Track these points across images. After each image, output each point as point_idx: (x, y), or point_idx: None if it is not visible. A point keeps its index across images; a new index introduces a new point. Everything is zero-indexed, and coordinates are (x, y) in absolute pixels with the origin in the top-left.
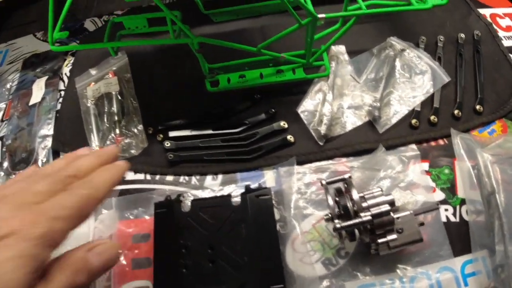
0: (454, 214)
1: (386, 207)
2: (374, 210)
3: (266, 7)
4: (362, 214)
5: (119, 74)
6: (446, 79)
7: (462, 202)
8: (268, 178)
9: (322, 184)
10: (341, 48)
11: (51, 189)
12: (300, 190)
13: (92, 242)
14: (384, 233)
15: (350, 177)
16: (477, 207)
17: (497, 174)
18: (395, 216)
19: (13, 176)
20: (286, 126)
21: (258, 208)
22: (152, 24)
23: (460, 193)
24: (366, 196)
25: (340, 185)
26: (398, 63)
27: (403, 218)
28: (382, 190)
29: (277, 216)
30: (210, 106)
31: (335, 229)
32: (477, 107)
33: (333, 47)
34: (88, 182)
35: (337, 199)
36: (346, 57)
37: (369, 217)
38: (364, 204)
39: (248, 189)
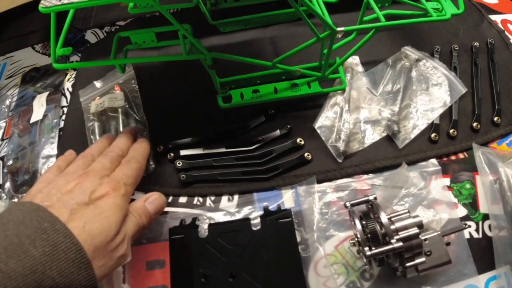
0: (477, 230)
1: (415, 230)
2: (403, 234)
3: (275, 17)
4: (392, 240)
5: (125, 89)
6: (463, 90)
7: (485, 217)
8: (287, 198)
9: (346, 207)
10: (355, 59)
11: (113, 165)
12: (321, 211)
13: (147, 194)
14: (412, 256)
15: (375, 198)
16: (500, 222)
17: None
18: (423, 237)
19: (16, 199)
20: (302, 143)
21: (279, 231)
22: (160, 37)
23: (482, 208)
24: (393, 219)
25: (364, 206)
26: (414, 74)
27: (431, 240)
28: (408, 211)
29: (298, 239)
30: (222, 123)
31: (365, 256)
32: (495, 118)
33: (349, 59)
34: (133, 157)
35: (363, 222)
36: (360, 68)
37: (401, 244)
38: (393, 227)
39: (267, 211)
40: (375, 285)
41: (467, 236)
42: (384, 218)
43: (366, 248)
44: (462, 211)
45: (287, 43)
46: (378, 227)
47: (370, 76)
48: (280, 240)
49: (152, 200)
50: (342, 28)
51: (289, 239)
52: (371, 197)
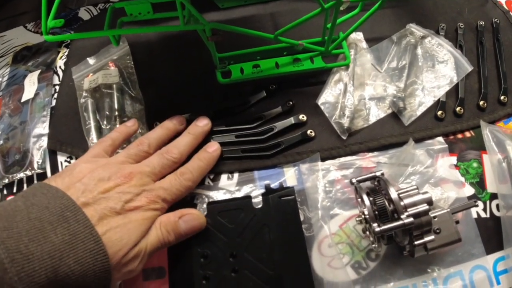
0: (485, 210)
1: (424, 207)
2: (412, 210)
3: None
4: (402, 216)
5: (120, 65)
6: (469, 68)
7: (492, 196)
8: (289, 176)
9: (352, 183)
10: (359, 35)
11: (163, 172)
12: (325, 189)
13: (183, 210)
14: (421, 234)
15: (382, 174)
16: (509, 201)
17: None
18: (432, 215)
19: (7, 180)
20: (305, 119)
21: (282, 210)
22: (156, 9)
23: (490, 187)
24: (401, 195)
25: (371, 183)
26: (419, 51)
27: (440, 217)
28: (417, 188)
29: (301, 217)
30: (222, 99)
31: (375, 233)
32: (502, 97)
33: (351, 35)
34: (190, 172)
35: (371, 198)
36: (364, 44)
37: (411, 219)
38: (402, 204)
39: (268, 189)
40: (381, 265)
41: (474, 215)
42: (393, 193)
43: (375, 225)
44: (469, 190)
45: (289, 19)
46: (387, 203)
47: (374, 52)
48: (283, 219)
49: (187, 219)
50: None
51: (292, 218)
52: (378, 173)
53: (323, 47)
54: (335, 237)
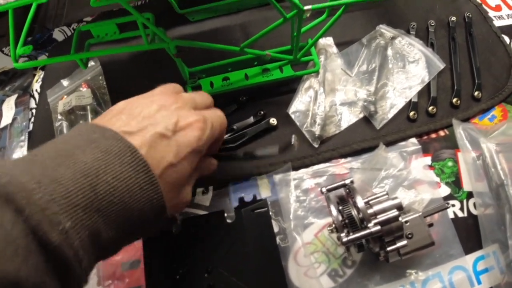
0: (462, 209)
1: (394, 213)
2: (381, 217)
3: (244, 2)
4: (369, 225)
5: (93, 85)
6: (441, 65)
7: (469, 195)
8: (263, 187)
9: (322, 192)
10: (329, 40)
11: (202, 104)
12: (299, 198)
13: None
14: (393, 239)
15: (352, 181)
16: (486, 199)
17: (504, 164)
18: (403, 220)
19: None
20: (275, 123)
21: (255, 222)
22: (124, 29)
23: (466, 186)
24: (371, 202)
25: (342, 190)
26: (390, 52)
27: (412, 222)
28: (387, 193)
29: (276, 229)
30: None
31: (342, 243)
32: (476, 93)
33: (320, 40)
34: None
35: (340, 207)
36: (334, 49)
37: (378, 227)
38: (370, 211)
39: (242, 202)
40: (357, 272)
41: (451, 215)
42: (360, 202)
43: (343, 234)
44: (445, 190)
45: (259, 28)
46: (356, 212)
47: (344, 57)
48: (256, 231)
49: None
50: (309, 7)
51: (265, 230)
52: (347, 181)
53: (292, 55)
54: (310, 246)
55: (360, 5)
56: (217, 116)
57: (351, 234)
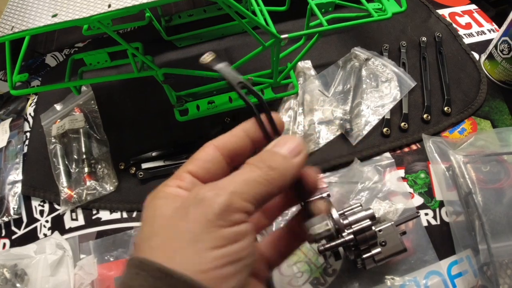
0: (435, 217)
1: (367, 222)
2: (356, 227)
3: (228, 29)
4: (344, 234)
5: (85, 109)
6: (412, 84)
7: (441, 204)
8: None
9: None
10: (307, 63)
11: None
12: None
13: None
14: (368, 247)
15: (328, 195)
16: (456, 208)
17: (471, 174)
18: (377, 229)
19: None
20: None
21: None
22: (115, 56)
23: (438, 195)
24: (346, 213)
25: None
26: (364, 73)
27: (385, 230)
28: (361, 205)
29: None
30: (181, 135)
31: (319, 251)
32: (445, 108)
33: (299, 64)
34: None
35: None
36: (312, 72)
37: (351, 236)
38: (345, 222)
39: None
40: (338, 280)
41: (425, 223)
42: (335, 214)
43: (320, 244)
44: (418, 200)
45: (242, 52)
46: (332, 223)
47: (322, 78)
48: None
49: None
50: (286, 36)
51: None
52: (324, 195)
53: (272, 79)
54: (293, 256)
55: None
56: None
57: (325, 244)
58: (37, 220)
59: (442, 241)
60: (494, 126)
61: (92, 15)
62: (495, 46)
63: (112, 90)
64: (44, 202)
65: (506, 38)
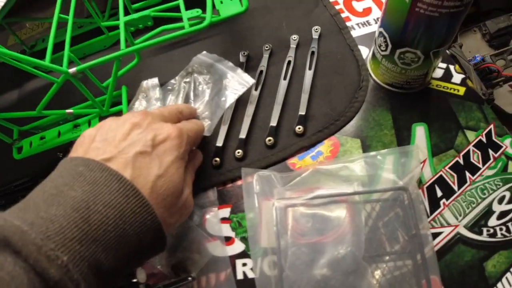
0: (255, 268)
1: None
2: None
3: (89, 47)
4: None
5: None
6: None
7: (265, 253)
8: None
9: None
10: (154, 81)
11: (172, 118)
12: None
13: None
14: None
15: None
16: (275, 259)
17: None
18: None
19: None
20: None
21: None
22: None
23: (264, 242)
24: None
25: None
26: (202, 82)
27: None
28: None
29: None
30: (18, 174)
31: None
32: (297, 128)
33: (143, 83)
34: (194, 121)
35: None
36: (157, 92)
37: None
38: None
39: None
40: None
41: (240, 276)
42: None
43: None
44: (239, 247)
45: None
46: None
47: (166, 93)
48: None
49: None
50: (74, 69)
51: None
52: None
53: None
54: None
55: (180, 39)
56: (190, 124)
57: None
58: None
59: None
60: (364, 146)
61: None
62: (375, 41)
63: None
64: None
65: (381, 29)
